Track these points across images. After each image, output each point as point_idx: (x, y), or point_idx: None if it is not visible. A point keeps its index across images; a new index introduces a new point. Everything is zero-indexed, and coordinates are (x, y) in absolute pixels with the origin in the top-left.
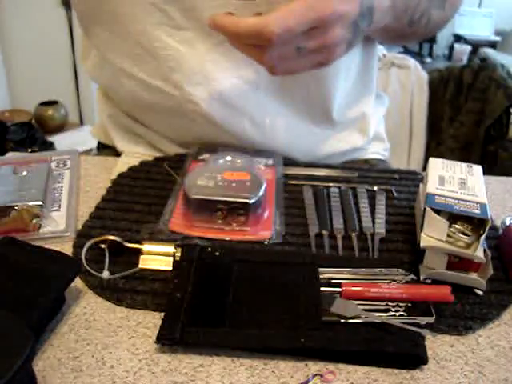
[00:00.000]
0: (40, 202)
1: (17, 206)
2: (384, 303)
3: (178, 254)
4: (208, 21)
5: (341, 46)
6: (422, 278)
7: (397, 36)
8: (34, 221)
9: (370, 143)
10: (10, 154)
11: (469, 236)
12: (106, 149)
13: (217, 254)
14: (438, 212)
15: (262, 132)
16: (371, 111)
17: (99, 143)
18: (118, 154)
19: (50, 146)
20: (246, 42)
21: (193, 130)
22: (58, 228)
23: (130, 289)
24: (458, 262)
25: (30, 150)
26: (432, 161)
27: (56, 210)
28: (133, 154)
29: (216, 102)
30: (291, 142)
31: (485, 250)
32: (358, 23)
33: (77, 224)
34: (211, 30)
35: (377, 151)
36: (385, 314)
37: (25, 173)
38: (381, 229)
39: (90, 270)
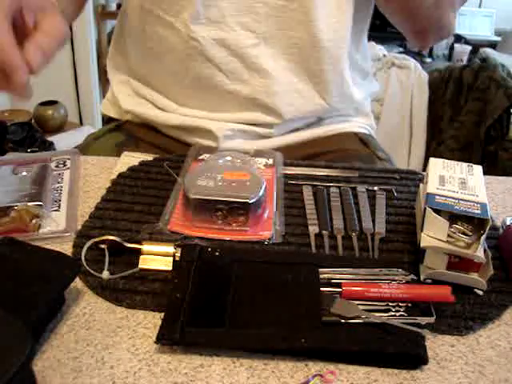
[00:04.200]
0: (40, 203)
1: (16, 206)
2: (384, 303)
3: (178, 254)
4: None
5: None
6: (422, 278)
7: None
8: (34, 221)
9: (353, 111)
10: (9, 154)
11: (469, 236)
12: (112, 121)
13: (217, 254)
14: (438, 212)
15: (256, 77)
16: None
17: (105, 120)
18: (121, 125)
19: (49, 146)
20: None
21: (193, 71)
22: (57, 228)
23: (129, 289)
24: (459, 262)
25: (29, 150)
26: (432, 161)
27: (56, 210)
28: (133, 155)
29: (216, 43)
30: (284, 93)
31: (485, 250)
32: None
33: (77, 224)
34: None
35: (362, 125)
36: (385, 314)
37: (24, 173)
38: (381, 229)
39: (90, 270)
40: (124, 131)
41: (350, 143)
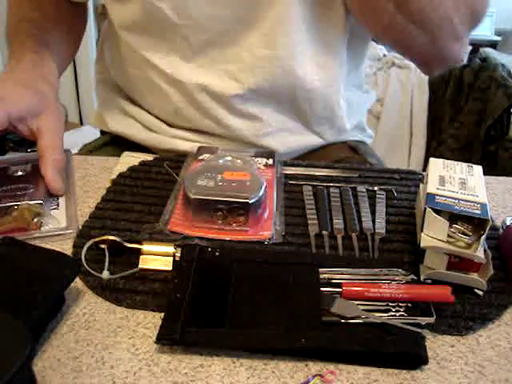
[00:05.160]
0: (40, 201)
1: (17, 205)
2: (384, 303)
3: (178, 254)
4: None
5: None
6: (422, 278)
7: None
8: (36, 219)
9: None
10: (9, 154)
11: (469, 236)
12: (104, 134)
13: (217, 254)
14: (438, 212)
15: (245, 122)
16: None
17: (101, 131)
18: (116, 139)
19: None
20: None
21: (180, 111)
22: (59, 225)
23: (129, 289)
24: (459, 262)
25: (29, 150)
26: (432, 161)
27: (55, 209)
28: (133, 155)
29: (201, 88)
30: (276, 133)
31: (485, 250)
32: None
33: (78, 221)
34: None
35: (357, 135)
36: (385, 315)
37: (20, 173)
38: (381, 229)
39: (90, 270)
40: (119, 148)
41: (339, 152)
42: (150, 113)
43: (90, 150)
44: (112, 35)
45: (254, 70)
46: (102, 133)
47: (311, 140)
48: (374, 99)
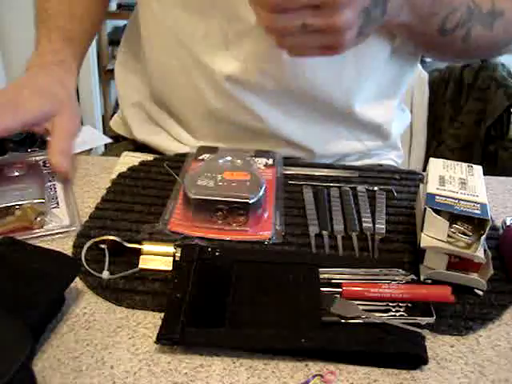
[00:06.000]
0: (42, 200)
1: (18, 205)
2: (384, 303)
3: (178, 254)
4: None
5: (350, 31)
6: (422, 278)
7: (428, 43)
8: (39, 218)
9: (386, 149)
10: (9, 154)
11: (469, 236)
12: (124, 140)
13: (217, 254)
14: (438, 212)
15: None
16: (393, 117)
17: (115, 137)
18: (135, 144)
19: None
20: (252, 4)
21: (208, 102)
22: (62, 223)
23: (129, 289)
24: (459, 262)
25: (29, 150)
26: (432, 161)
27: (55, 207)
28: (133, 155)
29: (231, 79)
30: (318, 132)
31: (485, 250)
32: (370, 11)
33: (80, 219)
34: None
35: (390, 157)
36: (385, 315)
37: (16, 173)
38: (381, 229)
39: (90, 270)
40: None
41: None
42: (177, 121)
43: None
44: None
45: (291, 68)
46: (122, 139)
47: (352, 145)
48: (408, 119)
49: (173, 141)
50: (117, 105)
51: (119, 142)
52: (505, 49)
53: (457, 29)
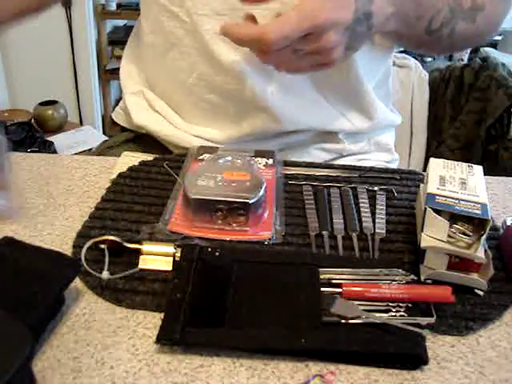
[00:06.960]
0: None
1: None
2: (384, 303)
3: (178, 254)
4: (218, 29)
5: (337, 48)
6: (422, 278)
7: (417, 43)
8: None
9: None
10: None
11: (469, 236)
12: (127, 130)
13: (217, 254)
14: (438, 212)
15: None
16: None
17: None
18: (138, 138)
19: (49, 146)
20: (249, 47)
21: (196, 68)
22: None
23: (129, 289)
24: (459, 263)
25: (29, 150)
26: (433, 161)
27: None
28: (132, 155)
29: (220, 37)
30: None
31: (485, 251)
32: (355, 28)
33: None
34: None
35: (379, 159)
36: (385, 315)
37: None
38: (381, 229)
39: (90, 270)
40: (141, 145)
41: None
42: (173, 109)
43: (107, 147)
44: (142, 14)
45: None
46: (123, 130)
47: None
48: (398, 121)
49: (171, 126)
50: (117, 105)
51: (120, 133)
52: (488, 36)
53: (442, 28)
